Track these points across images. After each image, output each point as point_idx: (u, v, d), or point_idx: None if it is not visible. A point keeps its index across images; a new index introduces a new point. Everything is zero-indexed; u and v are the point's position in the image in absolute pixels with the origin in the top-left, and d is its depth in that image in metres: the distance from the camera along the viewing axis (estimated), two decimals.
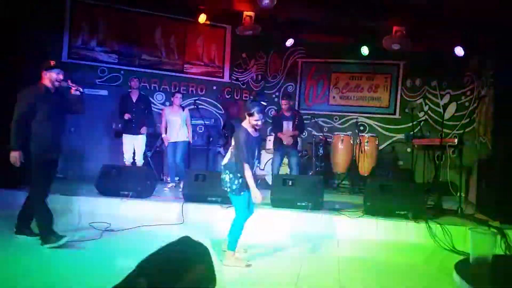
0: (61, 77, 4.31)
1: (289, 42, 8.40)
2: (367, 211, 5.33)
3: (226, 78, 9.18)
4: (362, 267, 4.02)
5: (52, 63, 4.30)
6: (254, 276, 3.51)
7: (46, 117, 4.15)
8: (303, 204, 5.44)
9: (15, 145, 4.04)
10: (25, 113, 4.07)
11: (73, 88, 4.36)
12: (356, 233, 5.11)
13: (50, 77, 4.25)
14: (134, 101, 6.94)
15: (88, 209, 5.69)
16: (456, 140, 5.94)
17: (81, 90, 4.40)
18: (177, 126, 6.97)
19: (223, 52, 9.27)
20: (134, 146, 6.96)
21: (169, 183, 7.18)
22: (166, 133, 7.04)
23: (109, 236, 4.66)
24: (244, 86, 9.42)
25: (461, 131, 7.26)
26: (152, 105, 7.95)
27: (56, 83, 4.29)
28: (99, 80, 8.28)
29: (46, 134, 4.17)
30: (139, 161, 7.00)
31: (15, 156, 4.06)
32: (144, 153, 7.15)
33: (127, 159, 6.95)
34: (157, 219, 5.31)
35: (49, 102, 4.21)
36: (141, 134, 6.95)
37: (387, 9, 6.57)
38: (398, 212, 5.15)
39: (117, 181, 5.92)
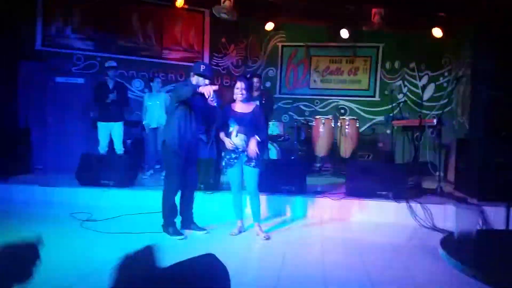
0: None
1: (269, 26, 8.32)
2: (349, 193, 5.40)
3: None
4: (345, 247, 4.08)
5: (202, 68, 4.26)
6: (238, 260, 3.52)
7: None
8: (287, 187, 5.47)
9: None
10: None
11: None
12: (338, 214, 5.19)
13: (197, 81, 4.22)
14: (110, 88, 6.77)
15: (69, 199, 5.62)
16: (435, 121, 6.02)
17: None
18: (156, 112, 6.88)
19: (202, 37, 9.13)
20: (110, 134, 6.83)
21: (147, 171, 7.12)
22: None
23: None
24: (224, 72, 9.33)
25: (440, 112, 7.36)
26: (129, 92, 7.84)
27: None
28: (75, 68, 8.09)
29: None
30: (119, 150, 6.88)
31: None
32: (124, 141, 7.04)
33: (102, 148, 6.79)
34: (139, 208, 5.28)
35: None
36: (118, 121, 6.83)
37: None
38: (379, 192, 5.23)
39: (98, 171, 5.83)
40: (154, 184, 6.08)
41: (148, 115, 6.92)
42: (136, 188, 5.88)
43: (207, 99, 4.16)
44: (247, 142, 4.17)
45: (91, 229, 4.40)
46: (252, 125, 4.19)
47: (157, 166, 7.07)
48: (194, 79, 4.27)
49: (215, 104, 4.21)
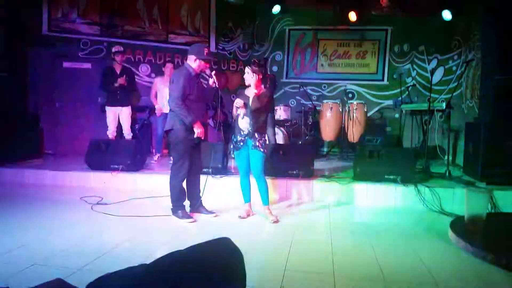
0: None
1: (276, 9, 8.25)
2: (357, 177, 5.41)
3: (213, 48, 9.03)
4: (353, 231, 4.10)
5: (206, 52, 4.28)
6: (247, 243, 3.55)
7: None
8: (294, 172, 5.49)
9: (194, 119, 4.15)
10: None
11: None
12: (346, 199, 5.20)
13: (199, 65, 4.26)
14: (118, 73, 6.78)
15: (79, 184, 5.69)
16: (444, 105, 5.98)
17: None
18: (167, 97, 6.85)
19: (208, 21, 9.07)
20: (118, 119, 6.88)
21: (155, 155, 7.16)
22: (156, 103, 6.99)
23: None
24: (231, 56, 9.29)
25: (449, 96, 7.30)
26: (136, 77, 7.83)
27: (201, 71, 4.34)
28: (82, 53, 8.09)
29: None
30: (128, 134, 6.93)
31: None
32: (132, 126, 7.08)
33: (111, 132, 6.86)
34: (148, 191, 5.35)
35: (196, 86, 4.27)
36: (126, 106, 6.85)
37: None
38: (387, 176, 5.23)
39: (107, 155, 5.89)
40: (161, 168, 6.17)
41: (161, 100, 6.92)
42: (144, 172, 5.94)
43: (208, 81, 4.30)
44: (251, 125, 4.21)
45: (101, 212, 4.46)
46: (257, 108, 4.22)
47: (165, 151, 7.11)
48: (196, 63, 4.24)
49: (215, 86, 4.32)
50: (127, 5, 8.40)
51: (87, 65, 8.05)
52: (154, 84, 7.17)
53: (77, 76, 7.91)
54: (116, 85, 6.62)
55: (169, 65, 7.05)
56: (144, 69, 8.52)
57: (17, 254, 3.20)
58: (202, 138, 4.29)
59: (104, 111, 6.98)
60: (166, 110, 6.82)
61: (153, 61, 8.50)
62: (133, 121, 7.26)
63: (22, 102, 7.54)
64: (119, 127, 6.92)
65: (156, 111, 7.05)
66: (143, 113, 7.75)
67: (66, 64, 7.91)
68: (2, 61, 7.03)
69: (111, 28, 8.30)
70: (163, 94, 6.88)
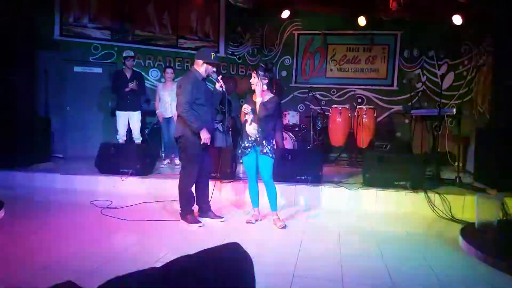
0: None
1: (285, 13, 8.25)
2: (366, 183, 5.38)
3: (222, 53, 9.07)
4: (362, 237, 4.07)
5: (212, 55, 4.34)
6: (255, 248, 3.55)
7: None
8: (303, 177, 5.48)
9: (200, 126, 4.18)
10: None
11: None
12: (355, 205, 5.17)
13: (206, 69, 4.31)
14: (128, 77, 6.85)
15: (89, 187, 5.73)
16: (454, 110, 5.93)
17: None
18: (168, 102, 6.89)
19: (217, 25, 9.12)
20: (129, 123, 6.93)
21: (164, 160, 7.19)
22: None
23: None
24: (240, 61, 9.31)
25: (459, 101, 7.25)
26: (146, 81, 7.89)
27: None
28: (93, 58, 8.17)
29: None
30: (137, 139, 6.98)
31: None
32: (142, 130, 7.12)
33: (121, 136, 6.92)
34: (157, 196, 5.37)
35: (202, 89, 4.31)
36: (136, 110, 6.90)
37: None
38: (396, 182, 5.20)
39: (117, 159, 5.93)
40: (170, 172, 6.19)
41: (162, 105, 6.96)
42: (154, 176, 5.96)
43: (214, 85, 4.34)
44: (259, 131, 4.19)
45: (110, 216, 4.48)
46: (263, 116, 4.18)
47: (173, 155, 7.14)
48: (203, 67, 4.27)
49: (222, 90, 4.34)
50: (138, 10, 8.49)
51: (98, 70, 8.13)
52: (157, 90, 7.22)
53: (87, 80, 8.00)
54: (127, 89, 6.69)
55: (168, 70, 7.09)
56: (154, 74, 8.58)
57: (28, 257, 3.22)
58: (209, 144, 4.29)
59: (114, 115, 7.05)
60: (167, 114, 6.91)
61: (163, 65, 8.55)
62: (143, 126, 7.31)
63: (33, 105, 7.62)
64: (129, 131, 6.98)
65: (157, 116, 7.10)
66: (153, 118, 7.81)
67: (77, 69, 8.00)
68: (13, 64, 7.11)
69: (122, 33, 8.38)
70: (163, 99, 6.94)
